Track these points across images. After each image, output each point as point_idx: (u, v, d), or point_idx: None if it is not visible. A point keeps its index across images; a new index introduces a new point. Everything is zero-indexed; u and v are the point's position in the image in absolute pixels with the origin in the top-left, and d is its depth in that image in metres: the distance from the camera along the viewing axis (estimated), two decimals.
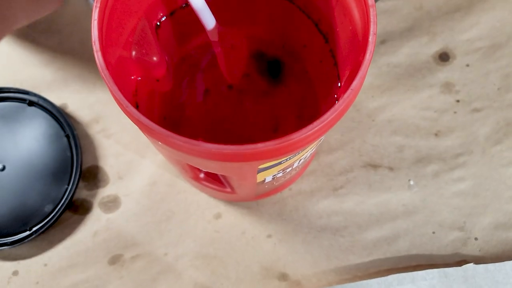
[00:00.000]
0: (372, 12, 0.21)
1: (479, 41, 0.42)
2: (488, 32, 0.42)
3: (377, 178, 0.39)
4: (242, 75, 0.34)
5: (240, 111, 0.36)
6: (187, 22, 0.32)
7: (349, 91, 0.21)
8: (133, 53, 0.28)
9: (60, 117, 0.39)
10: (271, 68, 0.35)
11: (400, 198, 0.38)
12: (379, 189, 0.38)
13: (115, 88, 0.20)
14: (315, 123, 0.20)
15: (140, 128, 0.21)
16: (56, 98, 0.40)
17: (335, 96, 0.30)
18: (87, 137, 0.40)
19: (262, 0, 0.31)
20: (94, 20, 0.22)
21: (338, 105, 0.21)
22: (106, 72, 0.21)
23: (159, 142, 0.21)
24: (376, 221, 0.38)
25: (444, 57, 0.41)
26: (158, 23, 0.30)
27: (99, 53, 0.21)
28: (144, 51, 0.28)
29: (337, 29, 0.28)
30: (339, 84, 0.29)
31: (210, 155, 0.21)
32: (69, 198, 0.37)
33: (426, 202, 0.38)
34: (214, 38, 0.29)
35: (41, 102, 0.39)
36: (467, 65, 0.41)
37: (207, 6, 0.27)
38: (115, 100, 0.21)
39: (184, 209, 0.38)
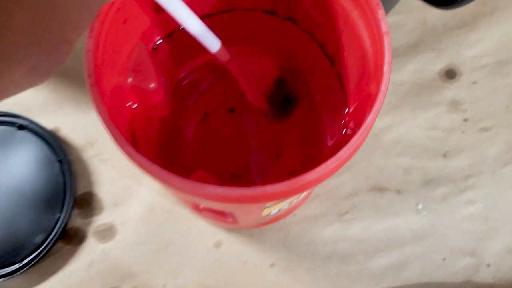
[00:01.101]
0: (386, 40, 0.20)
1: (485, 58, 0.40)
2: (494, 47, 0.41)
3: (384, 202, 0.37)
4: (266, 96, 0.32)
5: (241, 135, 0.34)
6: (186, 43, 0.30)
7: (363, 127, 0.19)
8: (129, 79, 0.26)
9: (52, 141, 0.37)
10: (283, 100, 0.33)
11: (408, 223, 0.37)
12: (386, 214, 0.37)
13: (113, 129, 0.19)
14: (329, 162, 0.19)
15: (140, 169, 0.20)
16: (49, 121, 0.38)
17: (343, 122, 0.28)
18: (81, 161, 0.38)
19: (263, 22, 0.30)
20: (87, 52, 0.20)
21: (353, 142, 0.19)
22: (102, 108, 0.19)
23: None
24: (384, 248, 0.36)
25: (450, 74, 0.40)
26: (155, 46, 0.29)
27: (95, 88, 0.19)
28: (140, 78, 0.26)
29: (345, 53, 0.26)
30: (346, 110, 0.28)
31: (215, 198, 0.19)
32: (62, 227, 0.35)
33: (436, 226, 0.36)
34: (224, 58, 0.28)
35: (31, 126, 0.37)
36: (474, 83, 0.40)
37: (207, 29, 0.25)
38: (113, 141, 0.19)
39: (183, 237, 0.36)
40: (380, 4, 0.20)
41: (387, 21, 0.40)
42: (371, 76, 0.23)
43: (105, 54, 0.22)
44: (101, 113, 0.19)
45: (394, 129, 0.39)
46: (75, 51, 0.35)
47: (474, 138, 0.38)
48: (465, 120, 0.39)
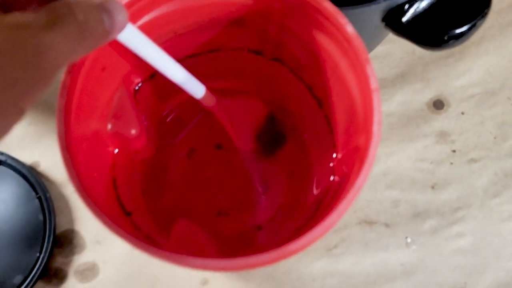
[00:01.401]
0: (375, 98, 0.19)
1: (473, 88, 0.40)
2: (482, 77, 0.40)
3: (373, 235, 0.37)
4: (252, 140, 0.31)
5: (228, 172, 0.33)
6: (169, 80, 0.30)
7: (354, 189, 0.19)
8: (109, 126, 0.25)
9: (30, 177, 0.36)
10: (271, 138, 0.32)
11: (398, 257, 0.36)
12: (376, 248, 0.36)
13: (87, 199, 0.18)
14: (317, 230, 0.18)
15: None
16: (28, 155, 0.37)
17: (331, 165, 0.28)
18: (62, 198, 0.36)
19: (250, 61, 0.29)
20: (59, 111, 0.19)
21: (342, 207, 0.18)
22: (74, 175, 0.18)
23: None
24: (374, 283, 0.35)
25: (438, 104, 0.40)
26: (137, 87, 0.28)
27: (66, 152, 0.18)
28: (121, 125, 0.25)
29: (333, 98, 0.26)
30: (334, 155, 0.27)
31: (195, 267, 0.18)
32: (41, 267, 0.34)
33: (425, 261, 0.36)
34: (209, 103, 0.27)
35: (9, 161, 0.36)
36: (462, 113, 0.39)
37: (190, 76, 0.25)
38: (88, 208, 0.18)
39: (169, 275, 0.35)
40: (369, 60, 0.20)
41: (375, 51, 0.40)
42: (360, 127, 0.22)
43: (81, 106, 0.21)
44: (73, 181, 0.18)
45: (382, 161, 0.38)
46: (55, 82, 0.34)
47: (463, 169, 0.38)
48: (454, 151, 0.39)
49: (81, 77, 0.21)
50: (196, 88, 0.25)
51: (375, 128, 0.19)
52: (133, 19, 0.22)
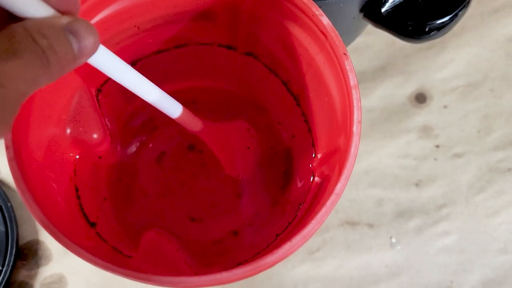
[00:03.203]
0: (355, 96, 0.18)
1: (455, 80, 0.39)
2: (464, 69, 0.39)
3: (356, 237, 0.35)
4: (249, 167, 0.29)
5: (201, 175, 0.32)
6: None
7: (333, 196, 0.17)
8: (68, 131, 0.23)
9: None
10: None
11: (382, 259, 0.35)
12: (359, 250, 0.35)
13: (39, 215, 0.15)
14: (295, 240, 0.16)
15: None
16: None
17: (310, 165, 0.26)
18: (24, 206, 0.34)
19: (221, 56, 0.27)
20: None
21: (320, 216, 0.17)
22: (24, 187, 0.16)
23: None
24: (358, 286, 0.34)
25: (420, 98, 0.38)
26: (100, 88, 0.26)
27: (14, 163, 0.16)
28: (81, 129, 0.23)
29: (310, 95, 0.24)
30: (314, 155, 0.25)
31: (169, 284, 0.17)
32: (4, 281, 0.32)
33: (410, 261, 0.35)
34: (195, 128, 0.25)
35: None
36: (445, 107, 0.38)
37: (165, 95, 0.22)
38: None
39: (140, 284, 0.33)
40: (347, 54, 0.18)
41: (354, 44, 0.38)
42: (339, 126, 0.20)
43: (33, 111, 0.19)
44: (23, 193, 0.16)
45: (363, 159, 0.37)
46: None
47: (447, 165, 0.37)
48: (437, 146, 0.37)
49: None
50: (172, 108, 0.22)
51: (355, 128, 0.17)
52: (90, 14, 0.20)
